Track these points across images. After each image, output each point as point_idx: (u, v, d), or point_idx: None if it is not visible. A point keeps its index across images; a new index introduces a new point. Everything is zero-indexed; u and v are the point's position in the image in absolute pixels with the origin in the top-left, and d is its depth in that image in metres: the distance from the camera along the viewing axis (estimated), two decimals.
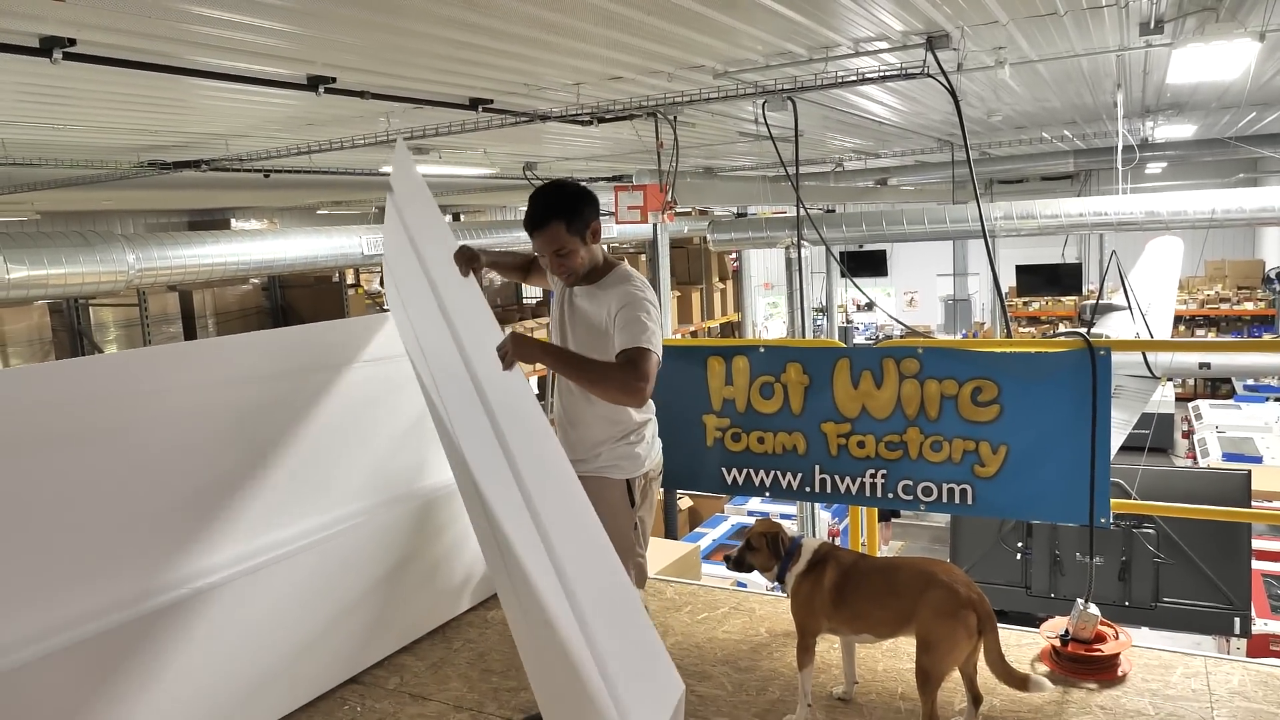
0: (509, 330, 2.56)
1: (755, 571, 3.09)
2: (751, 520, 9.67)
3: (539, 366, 3.02)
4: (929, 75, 4.35)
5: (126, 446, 2.75)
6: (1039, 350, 3.36)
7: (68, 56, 3.11)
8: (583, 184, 2.68)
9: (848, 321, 21.07)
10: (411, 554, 3.59)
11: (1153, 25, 4.01)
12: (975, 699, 2.79)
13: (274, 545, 3.11)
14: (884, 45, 4.22)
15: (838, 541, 9.34)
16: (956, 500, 3.46)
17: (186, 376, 2.96)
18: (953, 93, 4.44)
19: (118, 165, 6.52)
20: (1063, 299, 18.85)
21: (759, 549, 3.03)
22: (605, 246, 2.81)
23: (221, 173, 6.98)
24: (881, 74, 4.60)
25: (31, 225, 9.60)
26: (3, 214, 9.04)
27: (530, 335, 2.60)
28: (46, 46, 3.06)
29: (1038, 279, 16.45)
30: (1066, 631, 3.19)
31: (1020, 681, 2.82)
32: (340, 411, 3.39)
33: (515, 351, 2.41)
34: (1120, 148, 6.78)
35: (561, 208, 2.56)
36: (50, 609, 2.55)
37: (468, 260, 2.68)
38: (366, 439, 3.53)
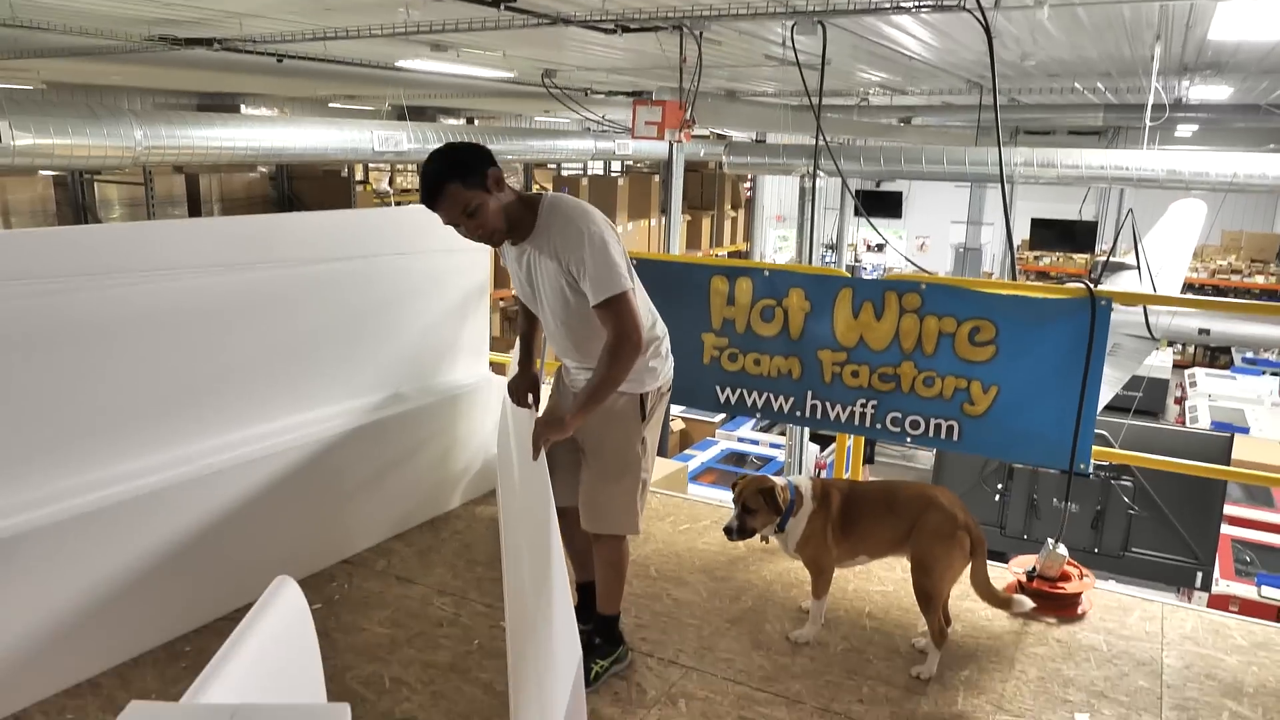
0: (533, 418, 2.62)
1: (756, 534, 2.91)
2: (740, 445, 9.80)
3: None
4: (965, 9, 4.25)
5: (142, 322, 2.79)
6: (1042, 296, 3.37)
7: None
8: (464, 142, 2.55)
9: (856, 260, 20.97)
10: (413, 449, 3.67)
11: None
12: (946, 620, 2.89)
13: (286, 429, 3.20)
14: None
15: (823, 475, 9.54)
16: (943, 436, 3.52)
17: (212, 253, 2.97)
18: (988, 30, 4.34)
19: (128, 37, 6.38)
20: (1074, 256, 18.71)
21: (758, 509, 2.84)
22: (534, 187, 2.72)
23: (233, 54, 6.84)
24: (917, 4, 4.49)
25: (38, 94, 9.45)
26: (9, 81, 8.89)
27: (552, 417, 2.61)
28: None
29: (1051, 234, 16.32)
30: (1033, 568, 3.29)
31: (1004, 603, 2.94)
32: (365, 304, 3.43)
33: (546, 434, 2.50)
34: (1150, 104, 6.65)
35: (449, 169, 2.40)
36: (62, 476, 2.63)
37: (526, 390, 2.84)
38: (384, 334, 3.58)
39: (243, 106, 11.52)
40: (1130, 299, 3.91)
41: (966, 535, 2.80)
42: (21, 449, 2.58)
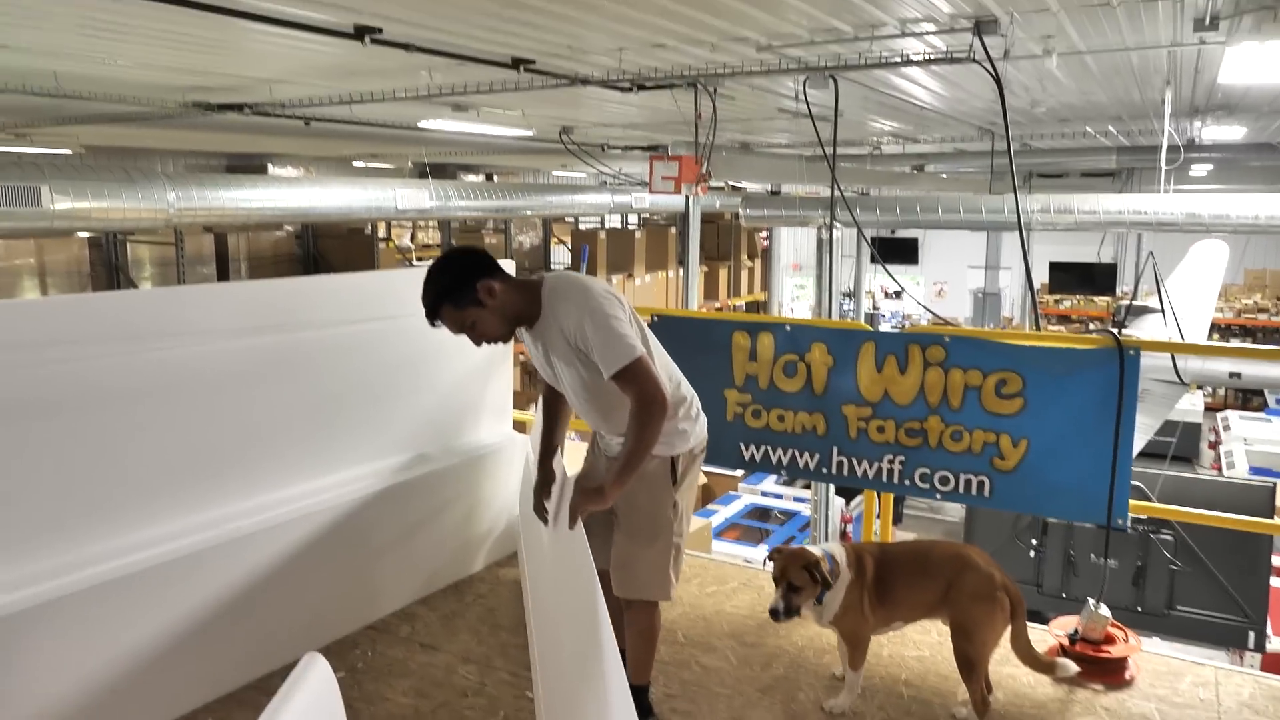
0: (568, 488, 2.63)
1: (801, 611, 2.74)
2: (764, 499, 9.66)
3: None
4: (975, 61, 4.28)
5: (169, 386, 2.81)
6: (1067, 346, 3.33)
7: None
8: (456, 252, 2.61)
9: (874, 308, 20.92)
10: (436, 511, 3.65)
11: (1208, 22, 3.93)
12: (987, 688, 2.79)
13: (308, 493, 3.20)
14: (931, 27, 4.16)
15: (849, 530, 9.37)
16: (973, 492, 3.45)
17: (237, 318, 3.00)
18: (998, 80, 4.37)
19: (164, 104, 6.57)
20: (1095, 299, 18.57)
21: (803, 586, 2.67)
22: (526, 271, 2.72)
23: (263, 117, 7.01)
24: (927, 57, 4.53)
25: (76, 159, 9.71)
26: (49, 145, 9.15)
27: (590, 485, 2.57)
28: None
29: (1071, 277, 16.19)
30: (1075, 630, 3.18)
31: (1047, 667, 2.84)
32: (384, 366, 3.44)
33: (585, 504, 2.48)
34: (1165, 147, 6.63)
35: (439, 295, 2.49)
36: (79, 546, 2.63)
37: (546, 484, 2.82)
38: (407, 395, 3.59)
39: (270, 166, 11.77)
40: (1158, 347, 3.85)
41: (1006, 595, 2.73)
42: (49, 516, 2.58)
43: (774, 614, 2.70)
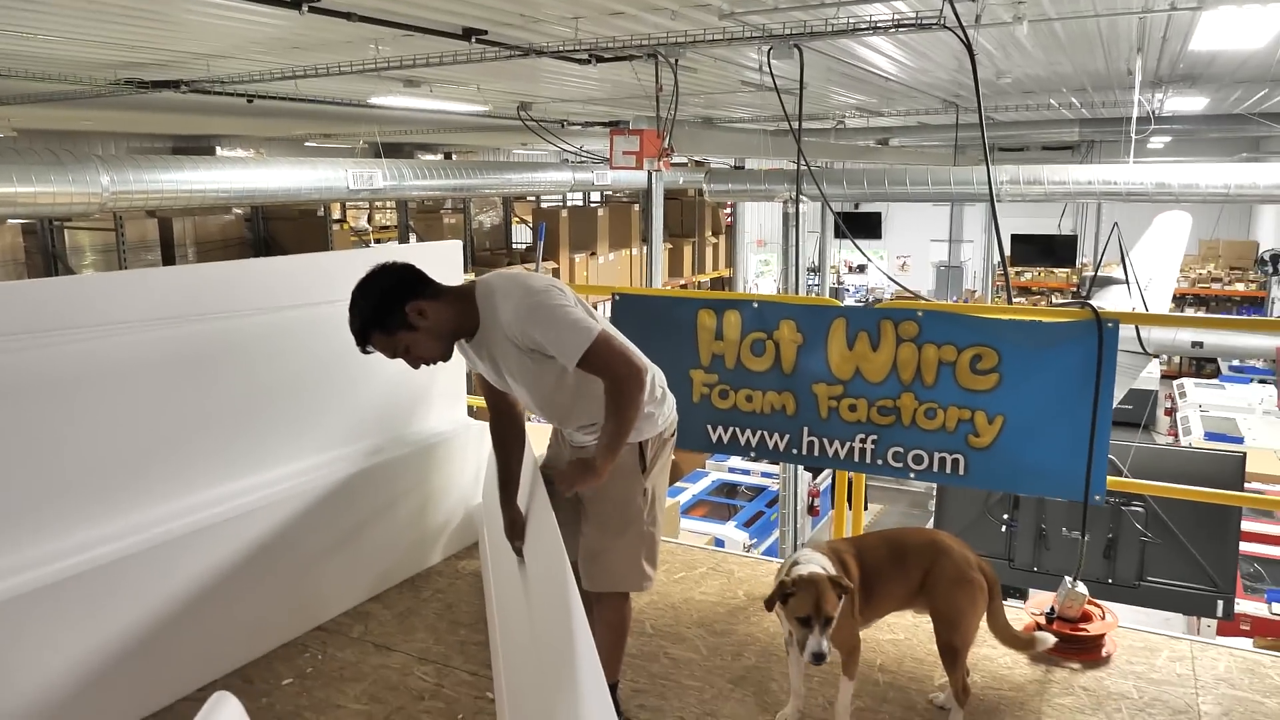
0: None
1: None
2: (731, 475, 9.58)
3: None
4: (945, 27, 4.16)
5: (88, 381, 2.60)
6: (1045, 319, 3.23)
7: None
8: (378, 272, 2.36)
9: (839, 283, 20.95)
10: (388, 504, 3.47)
11: None
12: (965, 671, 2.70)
13: (249, 489, 3.00)
14: None
15: (817, 504, 9.33)
16: (948, 470, 3.35)
17: (159, 306, 2.78)
18: (969, 47, 4.25)
19: (94, 82, 6.23)
20: (1055, 271, 18.79)
21: (835, 614, 2.37)
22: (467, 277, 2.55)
23: (203, 95, 6.69)
24: (895, 22, 4.39)
25: (7, 143, 9.27)
26: None
27: (581, 462, 2.37)
28: None
29: (1032, 249, 16.33)
30: (1052, 609, 3.11)
31: (1027, 643, 2.76)
32: (327, 353, 3.21)
33: (576, 480, 2.32)
34: (1135, 116, 6.59)
35: (367, 323, 2.33)
36: (3, 553, 2.42)
37: (515, 525, 2.71)
38: (353, 383, 3.39)
39: (218, 149, 11.36)
40: (1135, 319, 3.77)
41: (982, 576, 2.64)
42: None
43: (820, 659, 2.32)
